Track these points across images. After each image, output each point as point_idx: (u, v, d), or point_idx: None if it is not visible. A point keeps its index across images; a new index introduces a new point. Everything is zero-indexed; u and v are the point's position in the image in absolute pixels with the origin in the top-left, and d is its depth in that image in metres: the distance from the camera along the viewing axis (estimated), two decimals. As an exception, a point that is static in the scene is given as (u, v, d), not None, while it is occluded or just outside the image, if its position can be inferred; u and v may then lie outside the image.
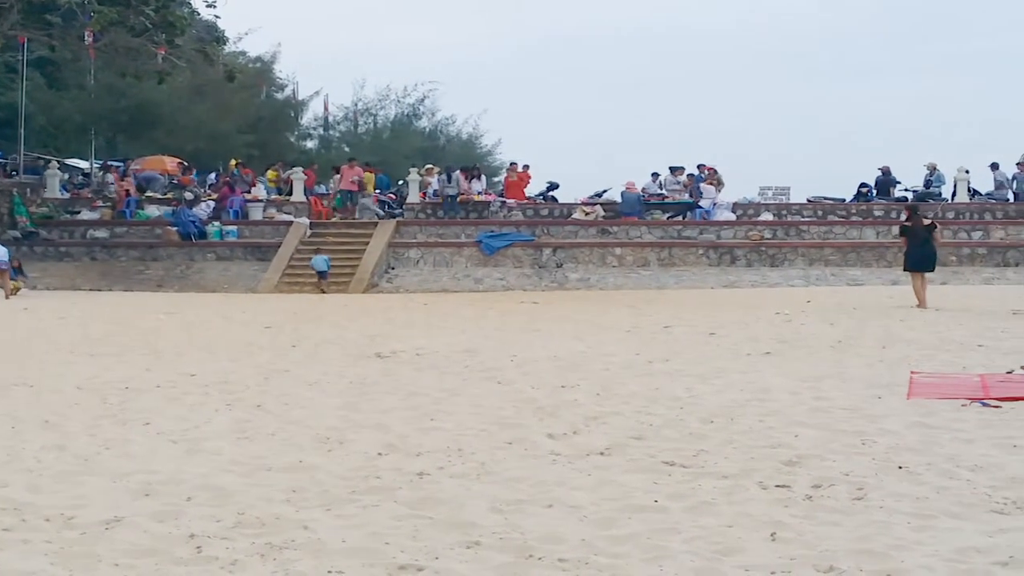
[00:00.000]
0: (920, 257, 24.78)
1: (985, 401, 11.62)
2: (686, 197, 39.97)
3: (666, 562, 6.33)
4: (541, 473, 8.56)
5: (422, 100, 63.86)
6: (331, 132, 62.74)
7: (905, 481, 8.19)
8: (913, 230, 25.08)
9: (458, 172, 40.06)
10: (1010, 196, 40.31)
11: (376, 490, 8.06)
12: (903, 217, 26.90)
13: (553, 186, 42.34)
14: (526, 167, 41.94)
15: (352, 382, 13.67)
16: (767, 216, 38.87)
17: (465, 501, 7.66)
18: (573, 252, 36.29)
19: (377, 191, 41.75)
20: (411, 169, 42.43)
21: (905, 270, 25.62)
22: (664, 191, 40.78)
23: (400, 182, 44.00)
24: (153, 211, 40.04)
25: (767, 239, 36.76)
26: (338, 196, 40.70)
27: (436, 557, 6.43)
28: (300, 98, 60.37)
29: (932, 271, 25.03)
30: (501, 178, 42.54)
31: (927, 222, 25.46)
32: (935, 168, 41.48)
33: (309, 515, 7.35)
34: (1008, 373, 13.63)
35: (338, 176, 41.50)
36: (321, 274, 34.86)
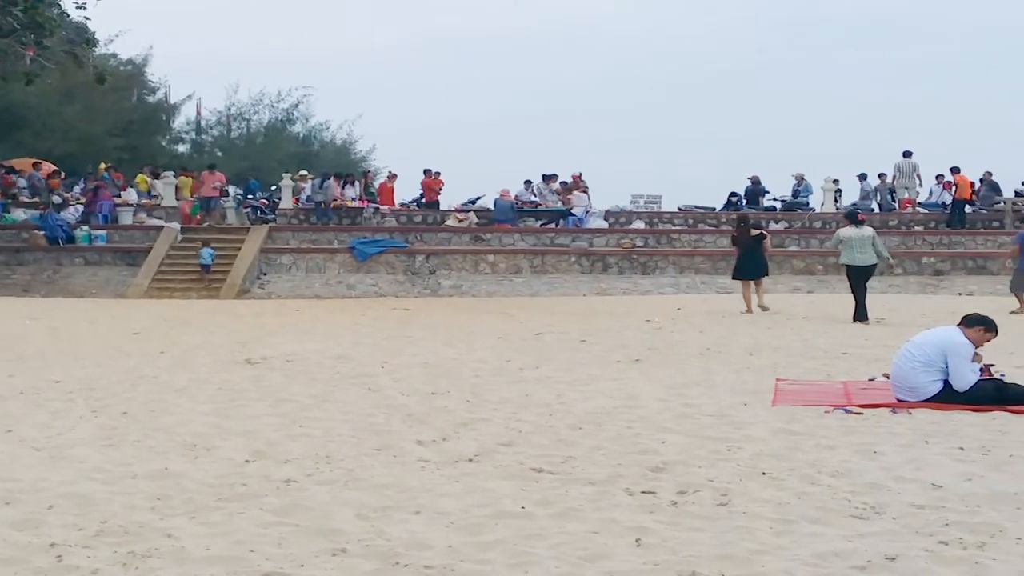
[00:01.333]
0: (749, 266, 25.59)
1: (848, 408, 11.84)
2: (559, 205, 40.23)
3: (531, 568, 6.35)
4: (409, 480, 8.54)
5: (296, 105, 63.54)
6: (204, 136, 62.09)
7: (768, 487, 8.31)
8: (742, 240, 25.86)
9: (331, 178, 39.86)
10: (875, 206, 41.23)
11: (242, 497, 7.98)
12: (734, 228, 27.55)
13: None
14: (437, 173, 41.88)
15: (221, 388, 13.54)
16: (639, 224, 39.29)
17: (332, 508, 7.62)
18: (446, 259, 36.31)
19: (249, 196, 41.42)
20: (284, 174, 42.19)
21: (734, 278, 26.50)
22: (537, 198, 41.00)
23: (273, 187, 43.69)
24: (20, 215, 39.22)
25: (639, 247, 37.14)
26: (196, 203, 39.66)
27: (301, 565, 6.38)
28: (172, 101, 59.72)
29: (760, 279, 25.75)
30: (386, 184, 42.12)
31: (756, 233, 26.23)
32: (803, 178, 42.29)
33: (173, 523, 7.26)
34: (870, 380, 13.90)
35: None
36: (205, 267, 34.62)
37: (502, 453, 9.57)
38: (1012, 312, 24.23)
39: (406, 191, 43.39)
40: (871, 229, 24.15)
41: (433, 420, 11.20)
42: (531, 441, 10.10)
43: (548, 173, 42.27)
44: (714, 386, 13.64)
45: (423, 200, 41.18)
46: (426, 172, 41.66)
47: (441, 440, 10.18)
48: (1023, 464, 9.22)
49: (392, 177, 42.24)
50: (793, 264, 35.78)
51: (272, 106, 62.68)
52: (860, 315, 23.05)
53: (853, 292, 23.56)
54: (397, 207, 40.77)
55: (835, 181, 41.67)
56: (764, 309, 25.08)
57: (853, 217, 24.64)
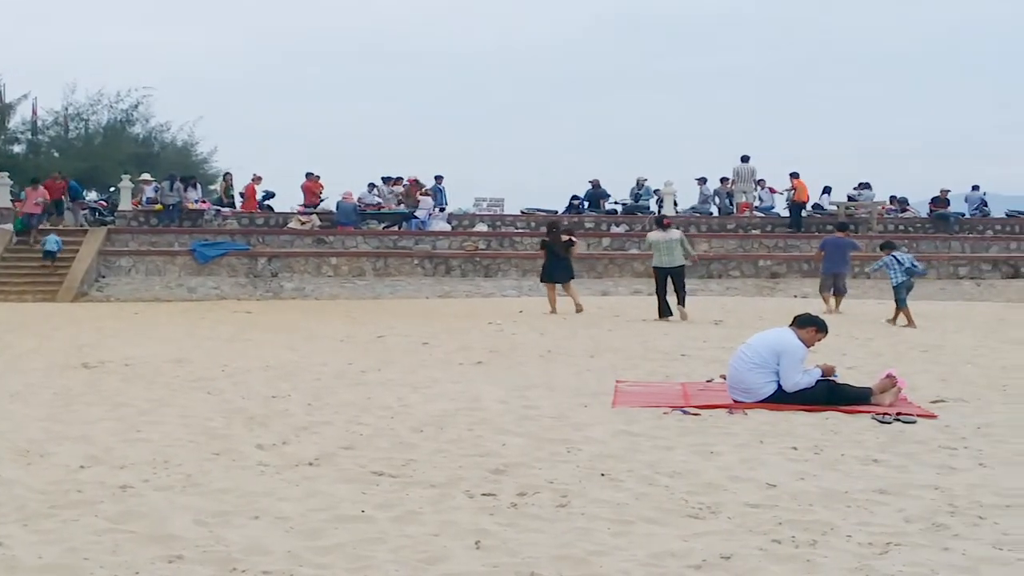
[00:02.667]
0: (555, 270, 26.45)
1: (686, 409, 12.02)
2: (402, 207, 40.19)
3: (371, 572, 6.34)
4: (248, 484, 8.46)
5: (136, 106, 62.26)
6: (40, 137, 60.59)
7: (607, 488, 8.40)
8: (552, 245, 26.64)
9: (179, 180, 39.28)
10: (714, 210, 41.91)
11: (76, 504, 7.83)
12: (545, 232, 28.55)
13: (269, 195, 41.95)
14: (318, 176, 41.48)
15: (57, 393, 13.26)
16: (482, 227, 39.41)
17: (169, 514, 7.51)
18: (288, 261, 36.01)
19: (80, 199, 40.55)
20: (123, 176, 41.45)
21: (542, 281, 27.25)
22: (380, 200, 40.90)
23: (112, 189, 42.84)
24: None
25: (482, 250, 37.23)
26: (18, 220, 37.30)
27: (136, 572, 6.29)
28: (7, 101, 58.20)
29: (566, 282, 26.55)
30: (252, 186, 41.50)
31: (566, 238, 27.03)
32: (643, 182, 42.77)
33: (4, 531, 7.09)
34: (708, 382, 14.11)
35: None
36: (50, 255, 34.00)
37: (343, 456, 9.53)
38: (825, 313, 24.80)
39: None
40: (678, 232, 25.76)
41: (273, 424, 11.11)
42: (372, 444, 10.08)
43: (390, 176, 42.22)
44: (555, 388, 13.74)
45: (306, 204, 40.69)
46: (308, 175, 41.32)
47: (281, 444, 10.10)
48: (854, 463, 9.45)
49: (256, 179, 41.69)
50: (634, 267, 36.15)
51: (111, 106, 61.40)
52: (663, 312, 24.49)
53: (657, 292, 24.90)
54: (257, 210, 40.28)
55: (673, 185, 42.30)
56: (579, 310, 25.71)
57: (659, 222, 26.28)
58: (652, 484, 8.55)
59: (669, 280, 24.72)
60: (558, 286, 26.49)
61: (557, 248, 26.54)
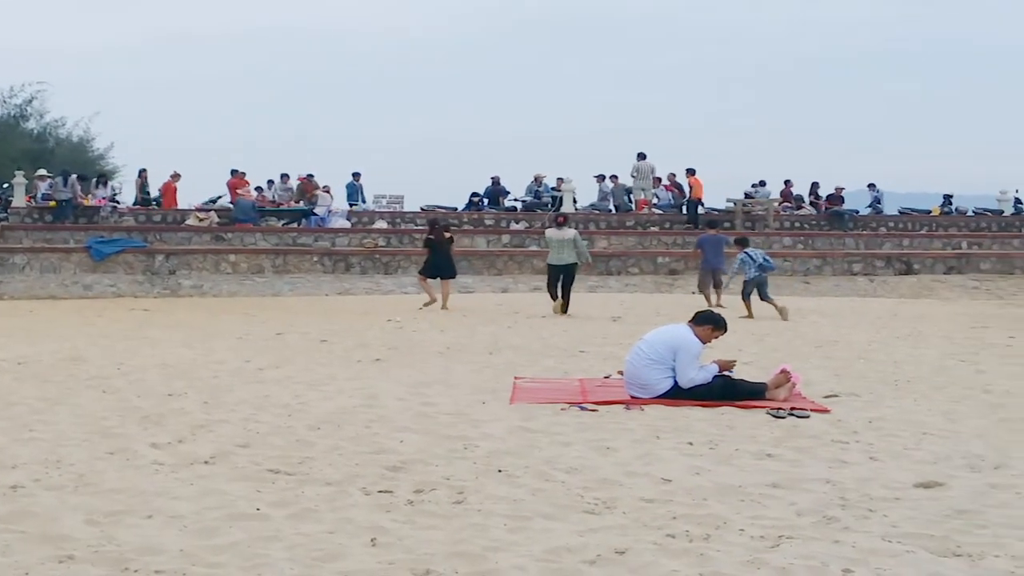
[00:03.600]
0: (439, 266, 27.10)
1: (583, 405, 12.08)
2: (301, 204, 39.99)
3: (265, 570, 6.31)
4: (142, 483, 8.37)
5: (30, 101, 61.26)
6: (-70, 132, 59.40)
7: (504, 484, 8.43)
8: (436, 242, 27.24)
9: (74, 176, 38.72)
10: (613, 207, 42.17)
11: (-35, 505, 7.71)
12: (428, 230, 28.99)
13: (214, 199, 41.66)
14: (243, 174, 41.07)
15: (-55, 393, 13.03)
16: (381, 224, 39.31)
17: (60, 514, 7.42)
18: (186, 258, 35.66)
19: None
20: (17, 172, 40.81)
21: (424, 275, 27.61)
22: (275, 198, 40.68)
23: (5, 185, 42.19)
24: None
25: (381, 247, 37.14)
26: None
27: (26, 572, 6.21)
28: None
29: (451, 278, 27.50)
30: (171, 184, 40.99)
31: (448, 235, 27.94)
32: (542, 179, 42.93)
33: None
34: (606, 378, 14.19)
35: None
36: None
37: (239, 455, 9.47)
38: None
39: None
40: (573, 231, 26.28)
41: (169, 422, 11.00)
42: (268, 442, 10.02)
43: (284, 172, 42.05)
44: (453, 385, 13.75)
45: (229, 201, 40.31)
46: (233, 172, 40.96)
47: (177, 442, 10.01)
48: (748, 457, 9.56)
49: (175, 176, 41.22)
50: (533, 264, 36.19)
51: (4, 101, 60.36)
52: (562, 307, 24.96)
53: (549, 288, 25.72)
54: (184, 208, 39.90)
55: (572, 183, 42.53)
56: (444, 307, 26.07)
57: (555, 220, 27.19)
58: (549, 480, 8.59)
59: (560, 277, 25.39)
60: (435, 281, 27.02)
61: (441, 245, 27.13)
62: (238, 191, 40.22)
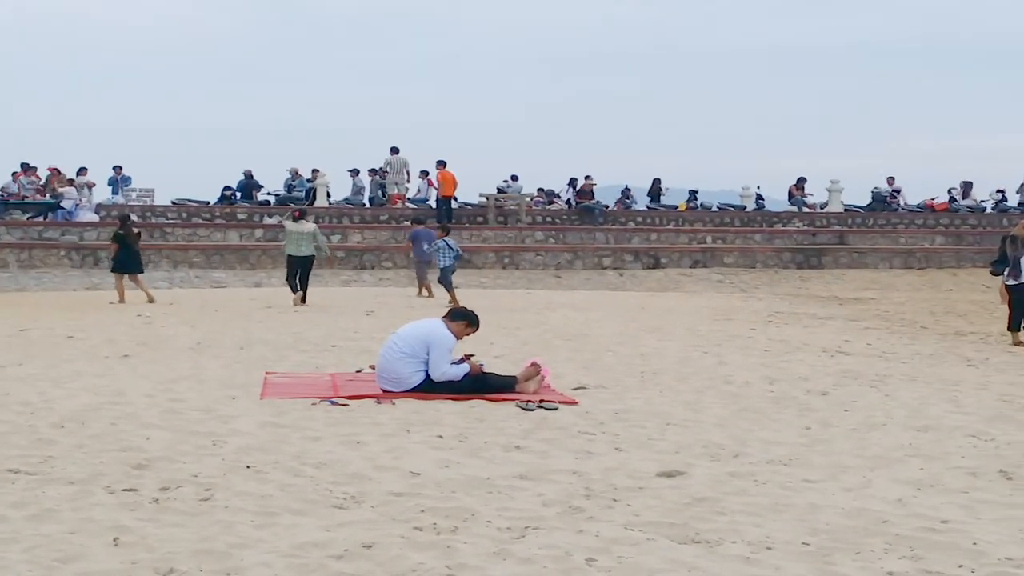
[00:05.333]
0: (126, 260, 27.08)
1: (334, 400, 12.06)
2: (48, 198, 38.85)
3: (2, 572, 6.14)
4: None
5: None
6: None
7: (252, 480, 8.37)
8: (125, 237, 27.19)
9: None
10: (366, 201, 42.10)
11: None
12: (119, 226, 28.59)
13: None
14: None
15: None
16: (132, 218, 38.40)
17: None
18: (-76, 252, 34.27)
19: None
20: None
21: (112, 271, 27.61)
22: (21, 191, 39.46)
23: None
24: None
25: (131, 240, 36.31)
26: None
27: None
28: None
29: (140, 273, 27.39)
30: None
31: (136, 231, 28.39)
32: (297, 172, 42.62)
33: None
34: (357, 372, 14.20)
35: None
36: None
37: (-24, 455, 9.17)
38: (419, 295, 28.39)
39: None
40: (313, 225, 27.32)
41: (-99, 423, 10.58)
42: (9, 441, 9.72)
43: (28, 164, 40.75)
44: (203, 380, 13.56)
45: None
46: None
47: (-91, 444, 9.64)
48: (497, 450, 9.69)
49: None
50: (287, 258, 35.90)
51: None
52: (301, 298, 25.64)
53: (288, 280, 26.40)
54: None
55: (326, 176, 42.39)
56: (150, 301, 26.13)
57: (292, 213, 27.93)
58: (298, 475, 8.56)
59: (299, 270, 26.15)
60: (127, 277, 26.96)
61: (131, 240, 27.15)
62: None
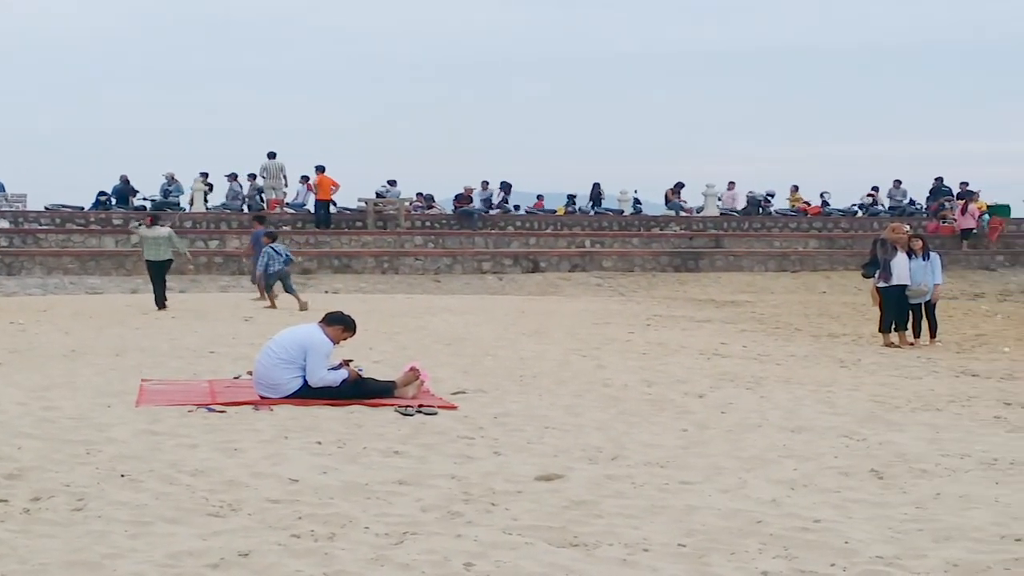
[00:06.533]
0: None
1: (211, 406, 11.94)
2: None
3: None
4: None
5: None
6: None
7: (126, 489, 8.25)
8: None
9: None
10: (244, 206, 41.78)
11: None
12: None
13: None
14: None
15: None
16: (3, 223, 37.75)
17: None
18: None
19: None
20: None
21: None
22: None
23: None
24: None
25: (3, 247, 35.68)
26: None
27: None
28: None
29: None
30: None
31: None
32: (173, 177, 42.17)
33: None
34: (235, 379, 14.07)
35: None
36: None
37: None
38: (255, 299, 28.18)
39: None
40: (168, 229, 27.70)
41: None
42: None
43: None
44: (77, 388, 13.35)
45: None
46: None
47: None
48: (376, 455, 9.67)
49: None
50: (164, 264, 35.51)
51: None
52: (160, 303, 25.98)
53: (153, 282, 26.70)
54: None
55: (204, 180, 42.00)
56: None
57: (146, 219, 28.76)
58: (173, 483, 8.46)
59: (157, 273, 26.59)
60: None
61: None
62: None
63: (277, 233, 29.94)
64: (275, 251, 26.91)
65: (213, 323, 22.49)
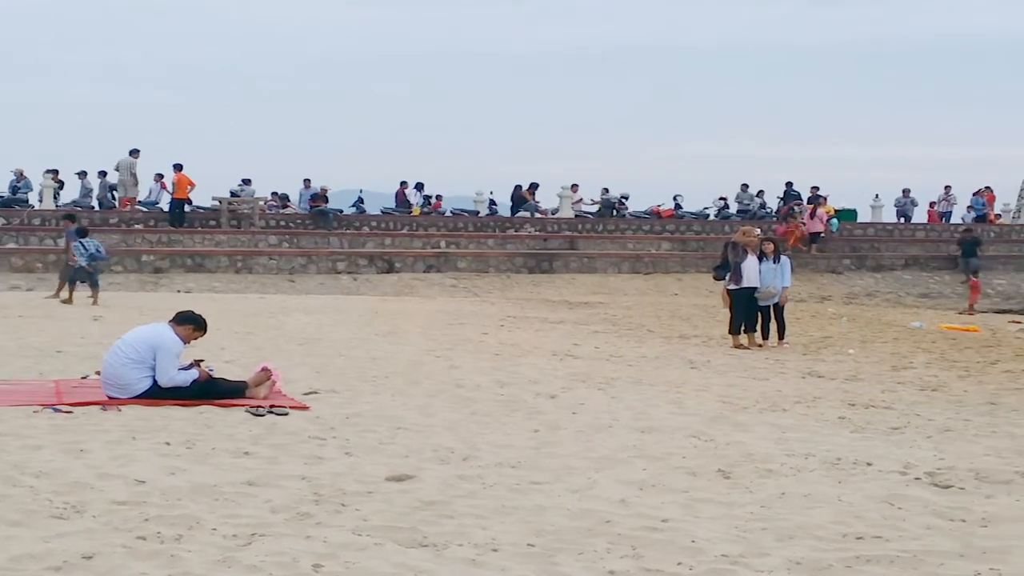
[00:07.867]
0: None
1: (57, 407, 11.72)
2: None
3: None
4: None
5: None
6: None
7: (-25, 493, 8.07)
8: None
9: None
10: (96, 204, 41.20)
11: None
12: None
13: None
14: None
15: None
16: None
17: None
18: None
19: None
20: None
21: None
22: None
23: None
24: None
25: None
26: None
27: None
28: None
29: None
30: None
31: None
32: (22, 174, 41.36)
33: None
34: (83, 379, 13.82)
35: None
36: None
37: None
38: (48, 296, 28.63)
39: None
40: None
41: None
42: None
43: None
44: (-83, 389, 13.00)
45: None
46: None
47: None
48: (226, 456, 9.58)
49: None
50: (12, 261, 34.83)
51: None
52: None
53: None
54: None
55: (54, 171, 41.42)
56: None
57: None
58: (16, 485, 8.29)
59: None
60: None
61: None
62: None
63: (87, 229, 29.64)
64: (83, 246, 27.08)
65: (61, 322, 22.08)
